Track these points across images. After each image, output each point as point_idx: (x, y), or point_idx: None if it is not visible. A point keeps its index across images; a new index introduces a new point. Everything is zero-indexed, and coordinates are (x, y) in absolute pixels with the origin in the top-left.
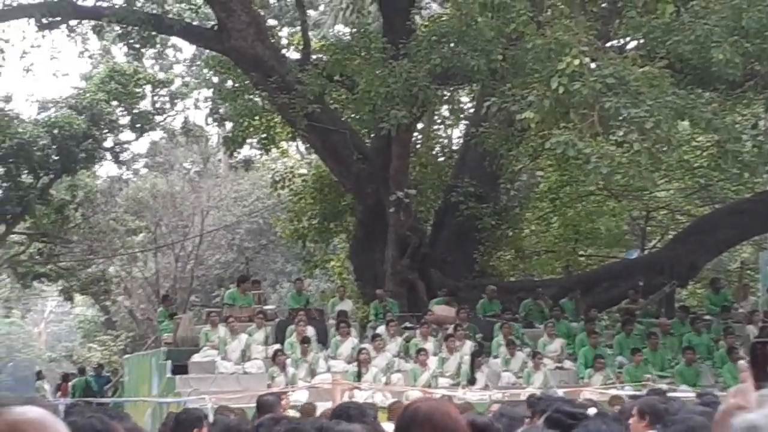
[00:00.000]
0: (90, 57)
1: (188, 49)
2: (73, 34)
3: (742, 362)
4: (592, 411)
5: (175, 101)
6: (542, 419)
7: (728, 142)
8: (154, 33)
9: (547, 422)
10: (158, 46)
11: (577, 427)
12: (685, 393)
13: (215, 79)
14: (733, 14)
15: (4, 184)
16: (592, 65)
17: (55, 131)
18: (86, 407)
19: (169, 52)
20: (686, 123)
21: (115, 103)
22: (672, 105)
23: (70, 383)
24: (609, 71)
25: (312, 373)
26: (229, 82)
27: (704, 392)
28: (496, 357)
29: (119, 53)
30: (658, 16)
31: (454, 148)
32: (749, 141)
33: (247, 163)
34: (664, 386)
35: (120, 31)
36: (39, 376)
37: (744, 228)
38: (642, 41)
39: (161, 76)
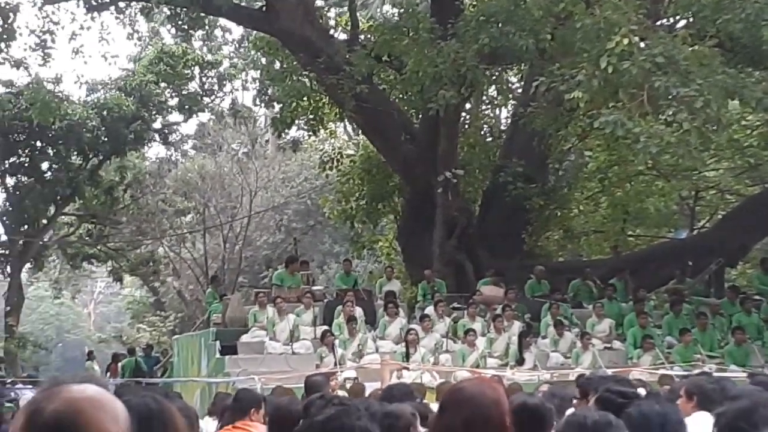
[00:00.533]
0: (139, 39)
1: (236, 30)
2: (121, 16)
3: None
4: (641, 391)
5: (224, 82)
6: (594, 399)
7: None
8: (202, 14)
9: (598, 402)
10: (206, 27)
11: (629, 407)
12: (736, 373)
13: (263, 60)
14: None
15: (54, 166)
16: (642, 44)
17: (105, 113)
18: (136, 387)
19: (218, 33)
20: (736, 102)
21: (163, 84)
22: (722, 84)
23: (119, 364)
24: (658, 50)
25: (360, 353)
26: (277, 63)
27: (755, 372)
28: (544, 337)
29: (168, 35)
30: None
31: (502, 128)
32: None
33: (295, 144)
34: (713, 366)
35: (168, 13)
36: (90, 356)
37: None
38: (692, 20)
39: (209, 57)
